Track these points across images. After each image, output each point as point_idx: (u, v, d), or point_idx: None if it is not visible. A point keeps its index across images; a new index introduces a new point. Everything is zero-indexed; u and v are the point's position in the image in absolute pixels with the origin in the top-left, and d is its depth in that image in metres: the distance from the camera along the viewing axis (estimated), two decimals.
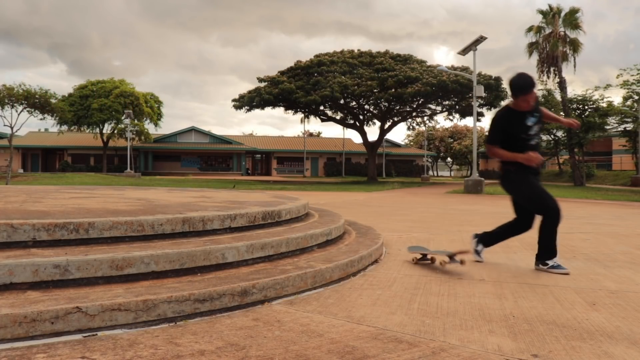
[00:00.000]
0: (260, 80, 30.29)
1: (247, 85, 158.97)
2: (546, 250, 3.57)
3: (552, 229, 3.50)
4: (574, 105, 25.65)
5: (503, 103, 29.34)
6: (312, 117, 34.99)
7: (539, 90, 28.22)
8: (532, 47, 27.68)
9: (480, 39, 17.72)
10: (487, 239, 3.97)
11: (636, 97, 23.90)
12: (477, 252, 3.96)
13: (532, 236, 5.56)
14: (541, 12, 27.09)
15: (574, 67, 27.97)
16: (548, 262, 3.58)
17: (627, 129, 26.27)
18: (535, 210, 3.59)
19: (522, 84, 3.39)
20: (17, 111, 25.80)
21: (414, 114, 33.90)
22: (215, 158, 48.71)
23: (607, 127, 26.45)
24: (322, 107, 31.49)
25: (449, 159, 67.64)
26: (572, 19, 26.39)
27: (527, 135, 3.51)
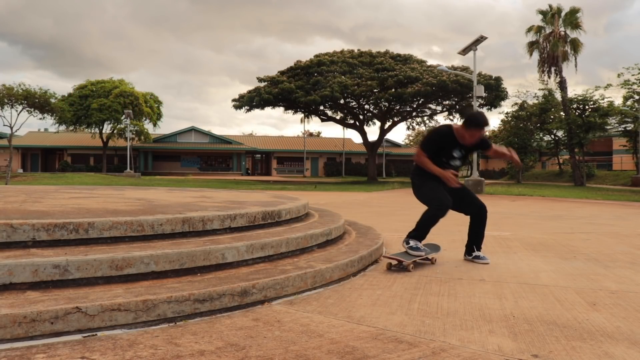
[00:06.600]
0: (260, 80, 30.26)
1: (241, 87, 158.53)
2: (417, 230, 3.82)
3: (430, 217, 3.78)
4: (574, 105, 25.63)
5: (503, 103, 29.47)
6: (312, 117, 34.97)
7: (539, 90, 28.26)
8: (532, 46, 27.67)
9: (480, 39, 17.70)
10: (470, 246, 4.11)
11: (637, 97, 23.86)
12: (479, 257, 4.03)
13: (533, 236, 5.57)
14: (541, 11, 27.09)
15: (575, 66, 28.02)
16: (410, 241, 3.80)
17: (628, 129, 26.26)
18: (425, 203, 3.91)
19: (480, 120, 3.76)
20: (16, 111, 25.78)
21: (414, 113, 33.87)
22: (215, 158, 48.69)
23: (608, 127, 26.43)
24: (322, 107, 31.44)
25: None
26: (572, 18, 26.37)
27: (447, 161, 3.88)
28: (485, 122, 3.77)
